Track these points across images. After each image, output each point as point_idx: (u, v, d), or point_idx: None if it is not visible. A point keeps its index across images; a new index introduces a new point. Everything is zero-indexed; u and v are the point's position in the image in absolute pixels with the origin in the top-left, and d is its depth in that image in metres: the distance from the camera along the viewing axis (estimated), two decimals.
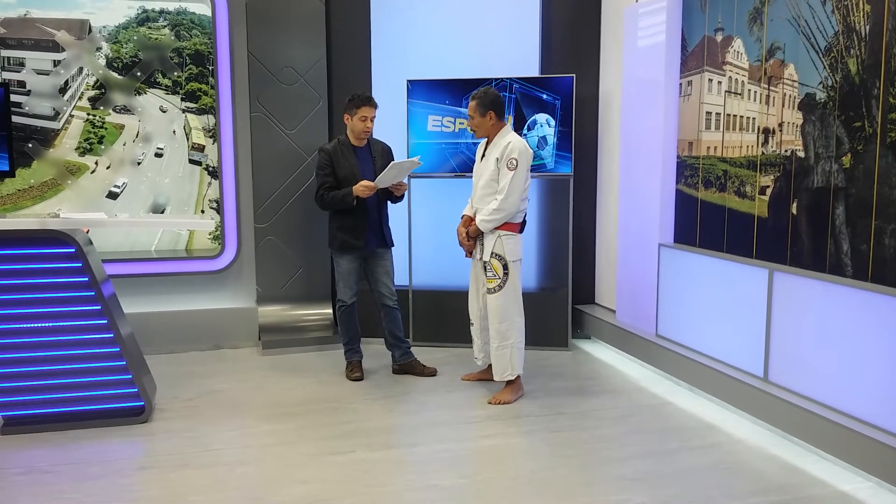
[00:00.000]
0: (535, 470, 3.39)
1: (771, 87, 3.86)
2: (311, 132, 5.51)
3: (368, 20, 5.52)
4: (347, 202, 4.47)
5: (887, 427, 3.15)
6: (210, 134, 5.43)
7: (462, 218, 4.41)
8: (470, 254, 4.40)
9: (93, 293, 3.78)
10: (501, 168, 4.14)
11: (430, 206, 5.45)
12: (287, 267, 5.59)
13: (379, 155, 4.66)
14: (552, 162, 5.24)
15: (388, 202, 4.72)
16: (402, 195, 4.67)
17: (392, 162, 4.48)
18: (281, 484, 3.23)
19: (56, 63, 5.14)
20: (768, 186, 3.90)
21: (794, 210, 3.72)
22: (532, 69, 5.49)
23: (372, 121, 4.54)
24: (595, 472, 3.36)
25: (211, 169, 5.46)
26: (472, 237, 4.30)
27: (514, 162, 4.11)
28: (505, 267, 4.19)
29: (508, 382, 4.31)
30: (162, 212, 5.40)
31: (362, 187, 4.42)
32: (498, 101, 4.25)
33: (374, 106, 4.55)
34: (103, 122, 5.26)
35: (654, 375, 4.79)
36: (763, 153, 3.94)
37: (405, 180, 4.63)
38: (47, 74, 5.13)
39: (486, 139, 4.33)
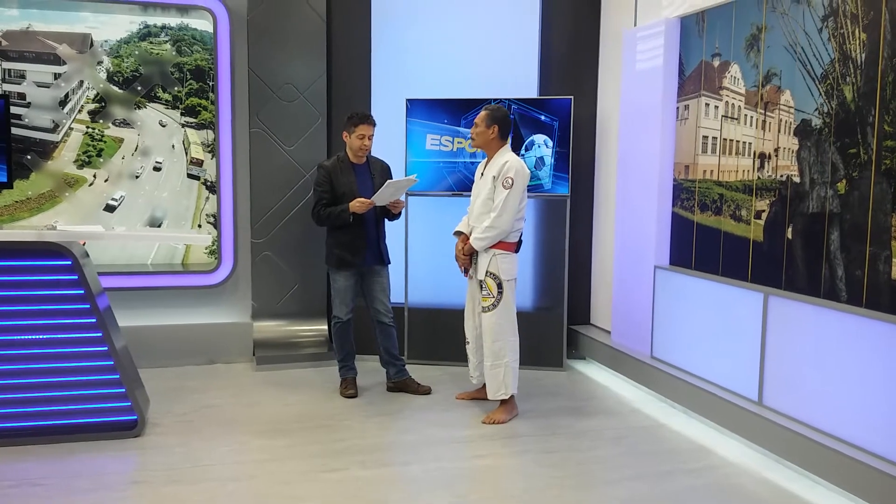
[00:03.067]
0: (528, 490, 3.38)
1: (767, 113, 3.90)
2: (310, 149, 5.53)
3: (369, 39, 5.57)
4: (343, 219, 4.48)
5: (881, 453, 3.15)
6: (209, 149, 5.45)
7: (458, 236, 4.42)
8: (466, 272, 4.41)
9: (88, 306, 3.78)
10: (497, 186, 4.17)
11: (426, 225, 5.46)
12: (283, 283, 5.59)
13: (378, 173, 4.68)
14: (549, 182, 5.26)
15: (386, 220, 4.73)
16: (399, 213, 4.69)
17: (389, 181, 4.50)
18: (273, 501, 3.22)
19: (57, 76, 5.16)
20: (764, 211, 3.93)
21: (789, 235, 3.74)
22: (530, 90, 5.53)
23: (370, 139, 4.56)
24: (589, 494, 3.36)
25: (209, 184, 5.47)
26: (467, 255, 4.32)
27: (510, 181, 4.13)
28: (499, 286, 4.20)
29: (502, 402, 4.31)
30: (159, 226, 5.40)
31: (358, 203, 4.43)
32: (506, 119, 4.28)
33: (373, 124, 4.57)
34: (102, 136, 5.27)
35: (649, 397, 4.79)
36: (759, 178, 3.97)
37: (402, 198, 4.65)
38: (48, 87, 5.15)
39: (486, 158, 4.36)
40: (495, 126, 4.24)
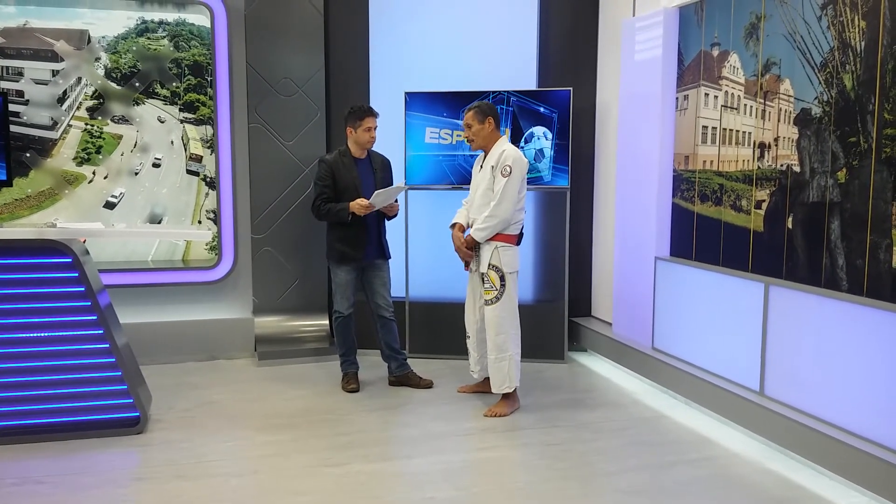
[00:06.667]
0: (531, 482, 3.38)
1: (767, 102, 3.89)
2: (309, 143, 5.52)
3: (367, 32, 5.54)
4: (342, 217, 4.49)
5: (883, 441, 3.15)
6: (208, 144, 5.44)
7: (454, 226, 4.40)
8: (468, 265, 4.41)
9: (89, 303, 3.78)
10: (496, 175, 4.17)
11: (427, 218, 5.46)
12: (284, 278, 5.59)
13: (379, 167, 4.69)
14: (549, 175, 5.25)
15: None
16: (395, 214, 4.71)
17: (377, 190, 4.48)
18: (277, 495, 3.22)
19: (55, 73, 5.15)
20: (764, 201, 3.92)
21: (789, 224, 3.73)
22: (529, 82, 5.51)
23: (375, 130, 4.58)
24: (591, 485, 3.36)
25: (208, 179, 5.46)
26: (469, 247, 4.30)
27: (508, 169, 4.13)
28: (502, 278, 4.20)
29: (504, 395, 4.31)
30: (159, 222, 5.40)
31: (359, 206, 4.42)
32: (495, 109, 4.29)
33: (377, 115, 4.59)
34: (101, 132, 5.26)
35: (651, 388, 4.79)
36: (759, 167, 3.96)
37: (399, 200, 4.67)
38: (46, 84, 5.14)
39: (484, 151, 4.35)
40: (489, 118, 4.24)
